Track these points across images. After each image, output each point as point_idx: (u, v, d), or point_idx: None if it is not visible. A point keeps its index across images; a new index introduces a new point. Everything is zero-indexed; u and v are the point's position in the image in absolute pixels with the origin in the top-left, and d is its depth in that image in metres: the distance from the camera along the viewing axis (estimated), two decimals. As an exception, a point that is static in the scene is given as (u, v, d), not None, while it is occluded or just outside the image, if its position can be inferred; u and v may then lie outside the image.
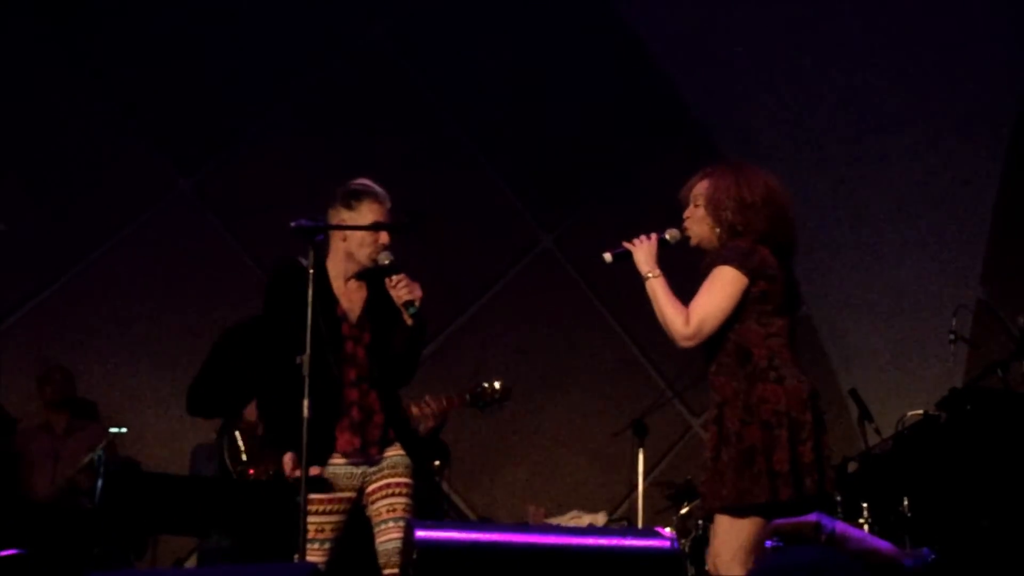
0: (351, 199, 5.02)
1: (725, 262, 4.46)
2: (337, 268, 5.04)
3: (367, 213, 5.00)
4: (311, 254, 4.79)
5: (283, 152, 8.79)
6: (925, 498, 6.62)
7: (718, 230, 4.57)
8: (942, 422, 6.64)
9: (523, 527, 6.53)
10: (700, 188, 4.64)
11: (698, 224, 4.62)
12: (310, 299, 4.72)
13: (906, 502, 6.57)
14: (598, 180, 9.23)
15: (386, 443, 5.02)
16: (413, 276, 5.03)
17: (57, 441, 7.65)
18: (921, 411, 6.79)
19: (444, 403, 5.83)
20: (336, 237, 5.01)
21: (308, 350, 4.66)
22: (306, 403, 4.62)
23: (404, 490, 4.98)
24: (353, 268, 5.04)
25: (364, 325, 5.04)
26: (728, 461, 4.34)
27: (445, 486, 8.38)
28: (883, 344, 9.38)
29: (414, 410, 5.66)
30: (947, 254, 9.27)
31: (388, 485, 4.99)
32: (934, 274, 9.23)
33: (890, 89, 9.10)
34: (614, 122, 9.35)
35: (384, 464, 5.00)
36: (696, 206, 4.63)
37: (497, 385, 5.68)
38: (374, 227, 5.02)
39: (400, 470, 5.02)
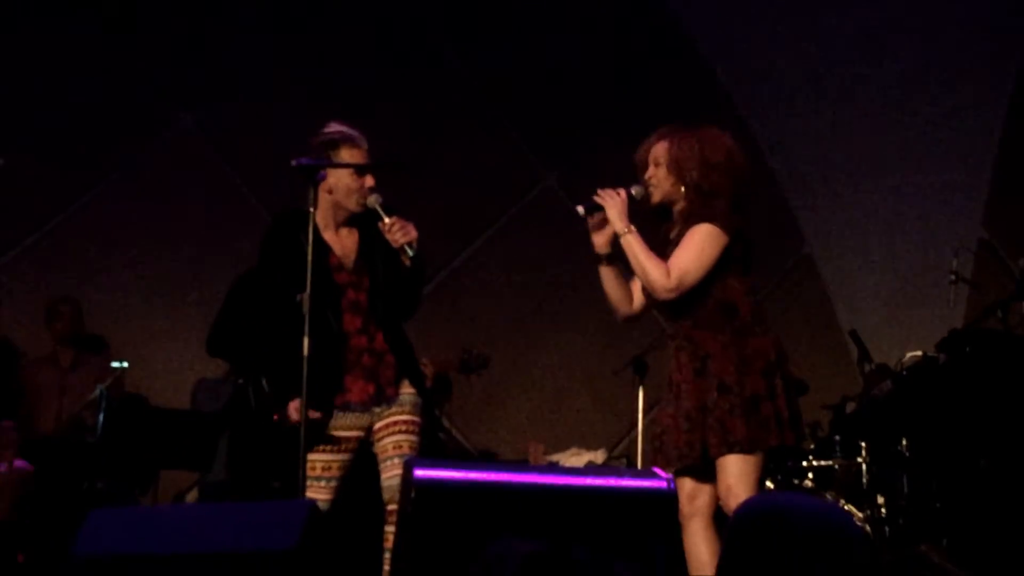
0: (329, 148, 4.96)
1: (708, 220, 4.54)
2: (327, 219, 5.01)
3: (347, 159, 4.95)
4: (311, 192, 4.80)
5: (285, 87, 8.75)
6: (923, 438, 6.65)
7: (683, 189, 4.65)
8: (941, 363, 6.66)
9: (521, 466, 6.57)
10: (660, 149, 4.72)
11: (661, 183, 4.70)
12: (310, 238, 4.73)
13: (904, 442, 6.61)
14: (601, 118, 9.19)
15: (399, 381, 5.06)
16: (410, 215, 5.02)
17: (63, 375, 7.65)
18: (920, 352, 6.80)
19: (437, 367, 5.93)
20: (322, 188, 4.95)
21: (308, 288, 4.69)
22: (306, 341, 4.65)
23: (411, 427, 5.03)
24: (343, 216, 5.02)
25: (362, 270, 5.05)
26: (730, 409, 4.44)
27: (446, 422, 8.43)
28: (883, 285, 9.39)
29: None
30: (949, 195, 9.26)
31: (396, 423, 5.02)
32: (936, 215, 9.22)
33: (895, 30, 9.05)
34: (618, 60, 9.31)
35: (392, 402, 5.04)
36: (657, 166, 4.72)
37: (475, 353, 5.87)
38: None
39: (407, 408, 5.05)
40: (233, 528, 2.87)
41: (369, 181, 4.97)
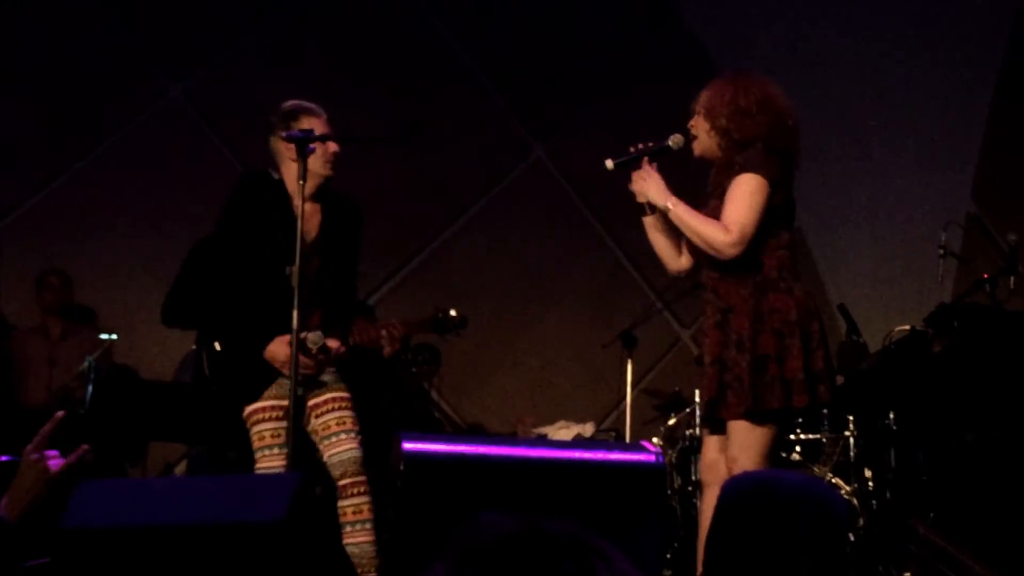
0: (289, 120, 5.04)
1: (749, 169, 4.47)
2: (294, 187, 4.99)
3: (307, 126, 4.98)
4: (301, 164, 4.83)
5: (275, 60, 8.73)
6: (911, 412, 6.67)
7: (718, 138, 4.58)
8: (929, 337, 6.67)
9: (510, 439, 6.58)
10: (702, 97, 4.65)
11: (699, 132, 4.63)
12: (301, 211, 4.79)
13: (892, 416, 6.62)
14: (591, 91, 9.18)
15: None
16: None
17: (52, 346, 7.63)
18: (908, 326, 6.81)
19: (406, 328, 5.96)
20: (286, 157, 5.04)
21: (297, 261, 4.72)
22: (295, 314, 4.68)
23: (349, 403, 5.11)
24: (312, 185, 4.99)
25: (316, 249, 5.10)
26: (746, 367, 4.40)
27: (435, 395, 8.44)
28: (872, 259, 9.40)
29: (383, 332, 5.74)
30: (938, 169, 9.27)
31: (334, 399, 5.10)
32: (925, 189, 9.23)
33: (883, 3, 9.04)
34: (608, 32, 9.29)
35: (327, 379, 5.12)
36: (697, 114, 4.65)
37: (453, 313, 5.92)
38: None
39: (343, 385, 5.15)
40: (222, 500, 2.87)
41: (332, 147, 5.07)
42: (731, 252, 4.45)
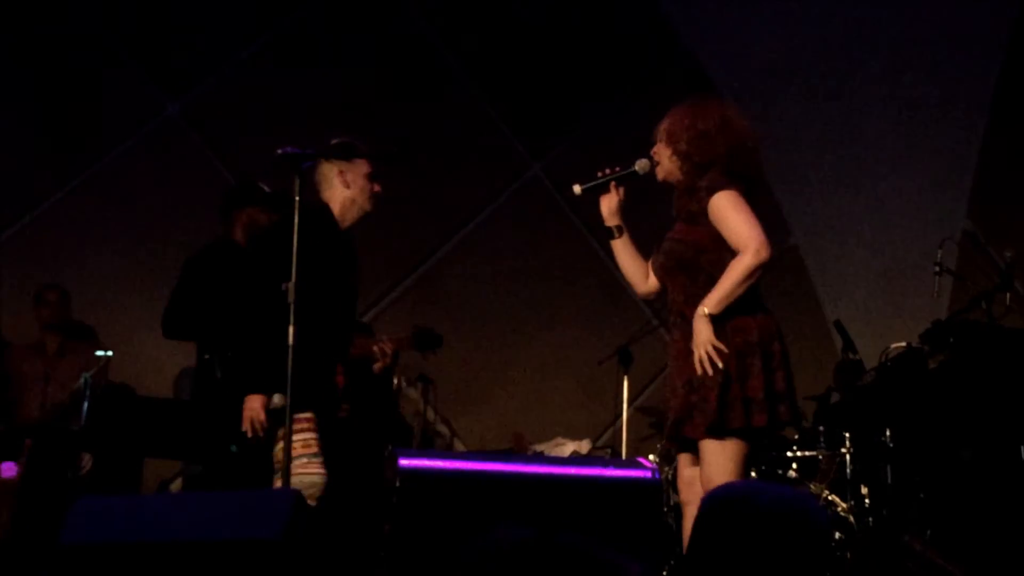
0: (349, 152, 5.32)
1: (719, 188, 4.52)
2: (343, 215, 5.32)
3: (361, 165, 5.32)
4: (296, 181, 4.91)
5: (271, 77, 8.74)
6: (907, 429, 6.68)
7: (679, 162, 4.65)
8: (925, 354, 6.68)
9: (506, 456, 6.59)
10: (663, 124, 4.75)
11: (661, 158, 4.72)
12: (296, 225, 4.86)
13: (888, 433, 6.63)
14: (587, 109, 9.19)
15: None
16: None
17: (48, 362, 7.61)
18: (904, 343, 6.82)
19: (395, 345, 6.11)
20: (338, 185, 5.29)
21: (293, 278, 4.79)
22: (291, 330, 4.74)
23: (313, 424, 5.11)
24: (353, 215, 5.32)
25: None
26: (710, 387, 4.44)
27: (431, 413, 8.43)
28: (868, 276, 9.41)
29: (375, 348, 5.91)
30: (934, 186, 9.28)
31: (297, 420, 5.06)
32: (920, 206, 9.24)
33: (879, 18, 9.06)
34: (605, 50, 9.31)
35: None
36: (660, 141, 4.74)
37: (425, 330, 6.13)
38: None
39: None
40: (220, 517, 2.87)
41: (376, 186, 5.35)
42: (763, 257, 4.50)
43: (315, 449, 5.03)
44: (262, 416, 5.00)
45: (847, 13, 9.09)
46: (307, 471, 5.01)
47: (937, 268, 7.05)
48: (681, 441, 4.65)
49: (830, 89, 9.27)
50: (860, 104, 9.27)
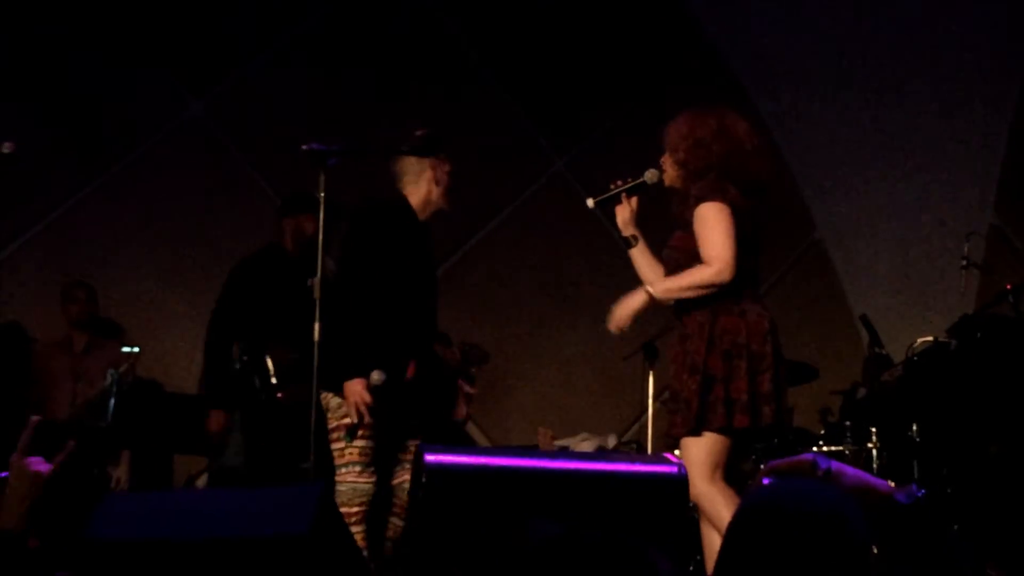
0: (439, 146, 5.40)
1: (706, 198, 4.56)
2: (422, 208, 5.40)
3: (446, 163, 5.42)
4: (321, 176, 4.91)
5: (296, 74, 8.76)
6: (934, 424, 6.65)
7: (679, 170, 4.72)
8: (952, 349, 6.65)
9: (532, 451, 6.58)
10: (666, 133, 4.82)
11: (666, 167, 4.80)
12: (321, 223, 4.85)
13: (915, 428, 6.60)
14: (611, 105, 9.18)
15: None
16: None
17: (76, 359, 7.62)
18: (931, 337, 6.80)
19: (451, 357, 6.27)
20: (428, 181, 5.35)
21: (319, 274, 4.80)
22: (317, 326, 4.75)
23: (370, 432, 5.23)
24: (430, 210, 5.42)
25: None
26: (695, 388, 4.54)
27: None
28: (895, 270, 9.38)
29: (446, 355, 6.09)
30: (960, 180, 9.24)
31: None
32: (947, 200, 9.20)
33: (905, 14, 9.02)
34: (629, 45, 9.29)
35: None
36: (664, 150, 4.82)
37: (474, 347, 6.26)
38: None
39: None
40: (246, 513, 2.88)
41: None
42: (723, 278, 4.55)
43: (369, 458, 5.11)
44: (367, 397, 5.03)
45: (874, 10, 9.05)
46: (360, 480, 5.07)
47: (964, 262, 7.03)
48: (668, 440, 4.79)
49: (855, 82, 9.23)
50: (886, 99, 9.24)
